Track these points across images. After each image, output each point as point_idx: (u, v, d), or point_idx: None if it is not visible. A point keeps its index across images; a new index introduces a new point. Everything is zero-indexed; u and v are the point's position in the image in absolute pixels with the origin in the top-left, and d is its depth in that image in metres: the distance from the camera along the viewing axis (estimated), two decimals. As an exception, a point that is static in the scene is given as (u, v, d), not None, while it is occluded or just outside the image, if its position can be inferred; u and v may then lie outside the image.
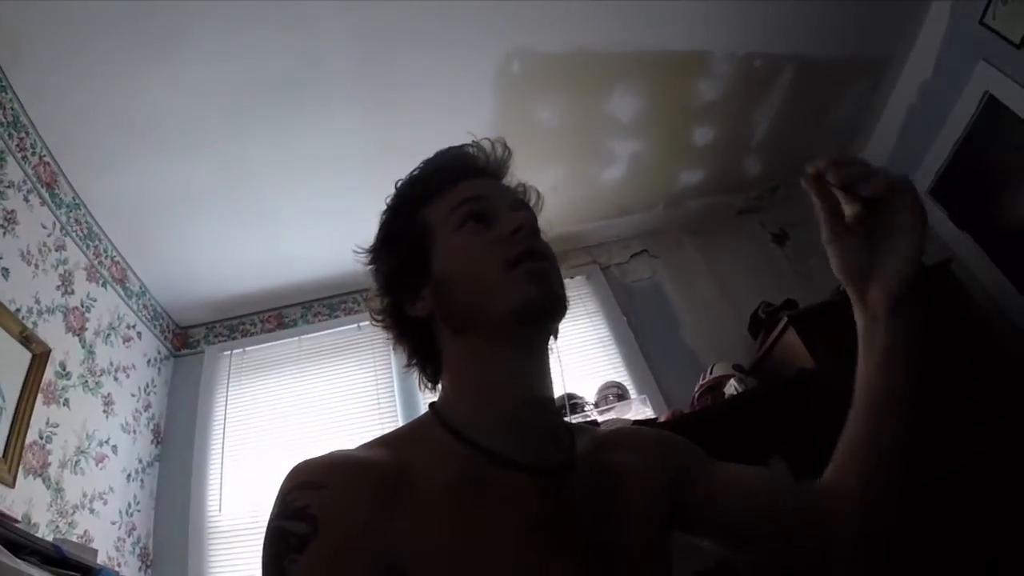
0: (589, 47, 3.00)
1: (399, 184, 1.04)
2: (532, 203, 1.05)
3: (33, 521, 2.37)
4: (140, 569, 3.02)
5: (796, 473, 2.70)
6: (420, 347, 1.00)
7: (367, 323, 3.84)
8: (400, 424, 1.05)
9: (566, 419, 1.06)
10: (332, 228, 3.40)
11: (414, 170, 1.04)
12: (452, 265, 0.91)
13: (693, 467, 0.98)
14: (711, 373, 3.16)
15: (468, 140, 1.04)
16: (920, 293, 0.84)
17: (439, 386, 0.99)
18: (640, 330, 3.74)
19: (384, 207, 1.05)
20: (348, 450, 0.82)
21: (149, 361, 3.59)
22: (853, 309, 0.89)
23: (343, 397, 3.64)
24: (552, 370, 0.95)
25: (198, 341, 3.97)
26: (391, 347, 1.05)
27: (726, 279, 3.89)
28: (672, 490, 0.93)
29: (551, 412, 0.94)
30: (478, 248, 0.90)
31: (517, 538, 0.75)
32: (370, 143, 3.06)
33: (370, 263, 1.04)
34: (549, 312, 0.88)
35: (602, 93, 3.25)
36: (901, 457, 0.84)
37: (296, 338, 3.94)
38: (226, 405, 3.67)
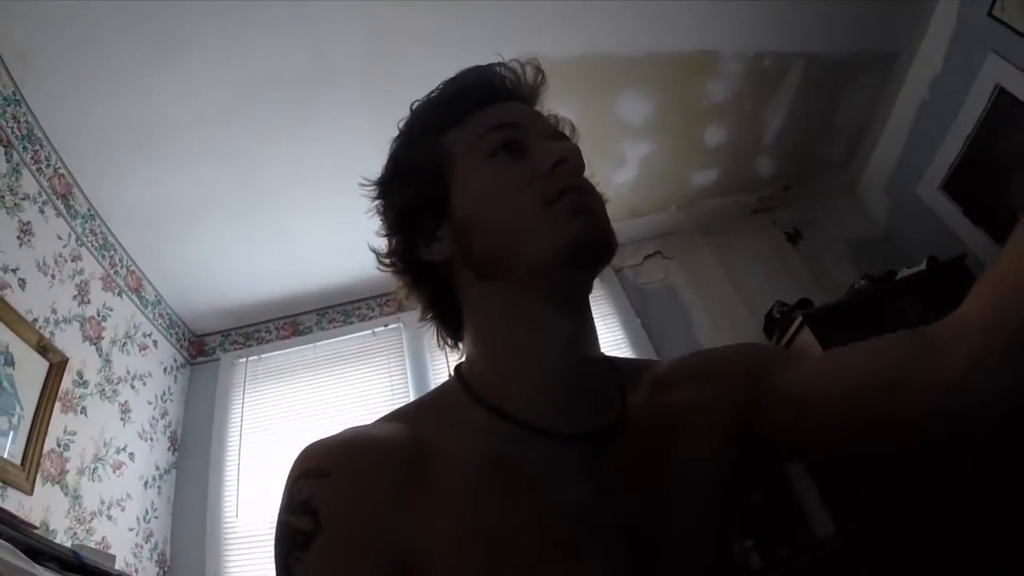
0: (598, 51, 3.00)
1: (415, 106, 0.90)
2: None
3: (51, 528, 2.39)
4: (158, 575, 3.04)
5: (816, 476, 2.71)
6: (438, 297, 0.87)
7: (382, 329, 3.90)
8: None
9: (617, 359, 0.88)
10: (346, 233, 3.40)
11: (432, 91, 0.90)
12: (479, 202, 0.78)
13: (772, 380, 0.75)
14: (726, 374, 3.15)
15: (495, 60, 0.90)
16: None
17: (461, 343, 0.88)
18: (654, 332, 3.72)
19: (396, 132, 0.92)
20: (362, 427, 0.74)
21: (165, 369, 3.61)
22: None
23: (358, 403, 3.64)
24: (593, 318, 0.83)
25: (214, 349, 3.99)
26: (405, 296, 0.90)
27: (740, 279, 3.87)
28: (747, 417, 0.75)
29: (596, 372, 0.81)
30: (512, 182, 0.76)
31: (546, 530, 0.66)
32: (381, 146, 3.05)
33: (378, 197, 0.90)
34: (598, 250, 0.75)
35: (612, 96, 3.25)
36: None
37: (311, 345, 3.95)
38: (242, 412, 3.68)
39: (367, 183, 0.92)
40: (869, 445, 0.70)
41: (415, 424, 0.74)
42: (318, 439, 0.72)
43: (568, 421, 0.73)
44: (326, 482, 0.66)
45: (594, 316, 0.83)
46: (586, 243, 0.73)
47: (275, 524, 0.67)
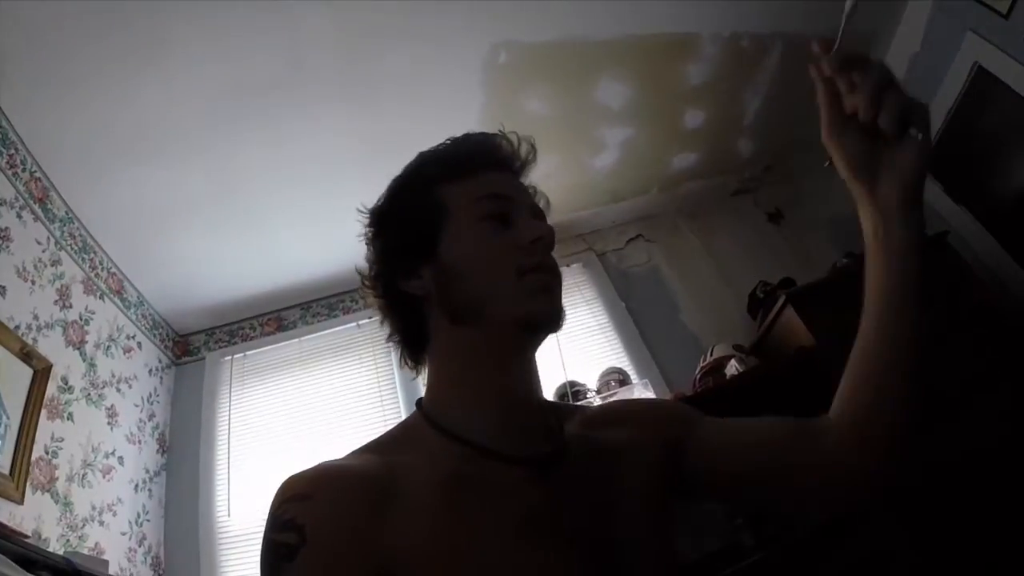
0: (575, 35, 2.99)
1: (422, 155, 1.02)
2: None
3: (43, 536, 2.37)
4: (153, 578, 3.04)
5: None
6: (408, 324, 0.98)
7: (366, 321, 3.89)
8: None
9: (552, 402, 1.06)
10: (326, 227, 3.39)
11: (439, 145, 1.01)
12: (465, 256, 0.90)
13: (687, 432, 0.96)
14: (711, 355, 3.17)
15: (495, 129, 1.03)
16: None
17: (421, 369, 0.99)
18: (639, 315, 3.75)
19: (399, 173, 1.02)
20: (335, 460, 0.82)
21: (151, 371, 3.59)
22: (859, 209, 0.85)
23: (346, 395, 3.65)
24: (538, 366, 0.96)
25: (198, 348, 3.97)
26: (381, 320, 1.02)
27: (723, 260, 3.89)
28: (668, 458, 0.93)
29: (539, 409, 0.94)
30: (496, 247, 0.89)
31: (509, 532, 0.75)
32: (360, 140, 3.05)
33: (370, 226, 1.01)
34: (551, 327, 0.90)
35: (590, 81, 3.24)
36: (918, 354, 0.82)
37: (296, 340, 3.94)
38: (230, 410, 3.67)
39: (364, 211, 1.02)
40: (764, 494, 0.99)
41: (384, 454, 0.83)
42: (295, 473, 0.78)
43: (518, 448, 0.84)
44: (308, 503, 0.72)
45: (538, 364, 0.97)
46: (542, 319, 0.89)
47: (261, 547, 0.73)
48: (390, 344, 1.02)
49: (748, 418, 0.98)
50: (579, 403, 2.32)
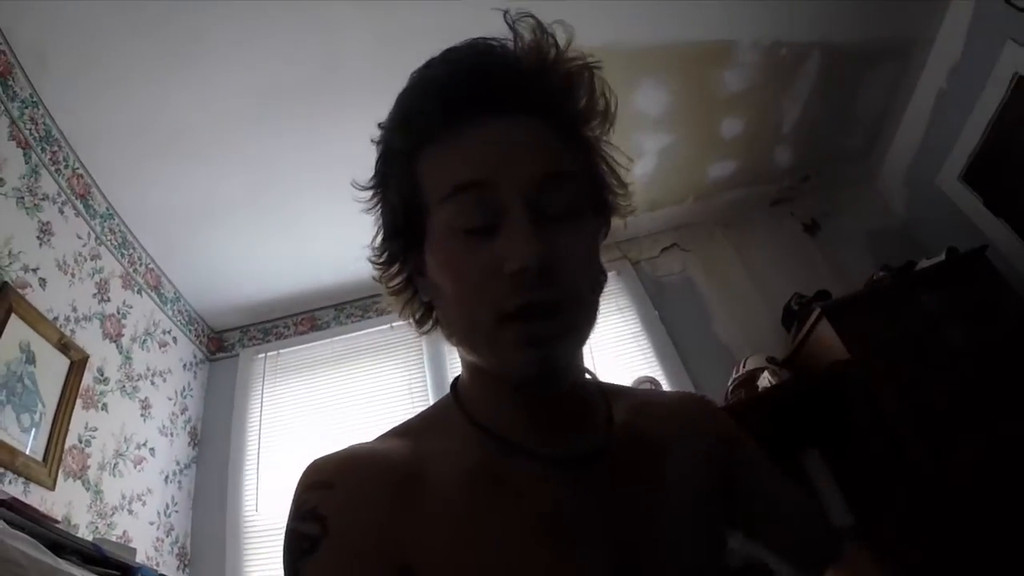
0: (613, 43, 2.97)
1: (396, 101, 0.81)
2: (595, 114, 0.84)
3: (73, 522, 2.42)
4: (178, 568, 3.08)
5: (832, 466, 2.69)
6: (425, 315, 0.85)
7: (400, 323, 3.86)
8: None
9: (600, 383, 0.88)
10: (361, 229, 3.40)
11: (427, 68, 0.80)
12: (442, 276, 0.73)
13: (734, 451, 0.90)
14: (744, 366, 3.13)
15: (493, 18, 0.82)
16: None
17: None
18: (672, 324, 3.70)
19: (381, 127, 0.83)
20: (364, 444, 0.78)
21: (185, 365, 3.64)
22: None
23: (377, 397, 3.66)
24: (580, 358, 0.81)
25: (233, 344, 4.02)
26: (400, 315, 0.88)
27: (758, 271, 3.84)
28: (713, 466, 0.86)
29: (577, 400, 0.81)
30: (471, 271, 0.70)
31: (534, 534, 0.70)
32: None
33: (370, 200, 0.85)
34: (544, 387, 0.75)
35: (628, 88, 3.21)
36: None
37: (329, 340, 3.97)
38: (261, 407, 3.71)
39: (357, 187, 0.86)
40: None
41: (415, 439, 0.78)
42: (322, 455, 0.75)
43: (551, 443, 0.76)
44: (331, 492, 0.70)
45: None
46: (531, 381, 0.72)
47: (283, 535, 0.70)
48: (425, 340, 0.92)
49: (780, 493, 0.93)
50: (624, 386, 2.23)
